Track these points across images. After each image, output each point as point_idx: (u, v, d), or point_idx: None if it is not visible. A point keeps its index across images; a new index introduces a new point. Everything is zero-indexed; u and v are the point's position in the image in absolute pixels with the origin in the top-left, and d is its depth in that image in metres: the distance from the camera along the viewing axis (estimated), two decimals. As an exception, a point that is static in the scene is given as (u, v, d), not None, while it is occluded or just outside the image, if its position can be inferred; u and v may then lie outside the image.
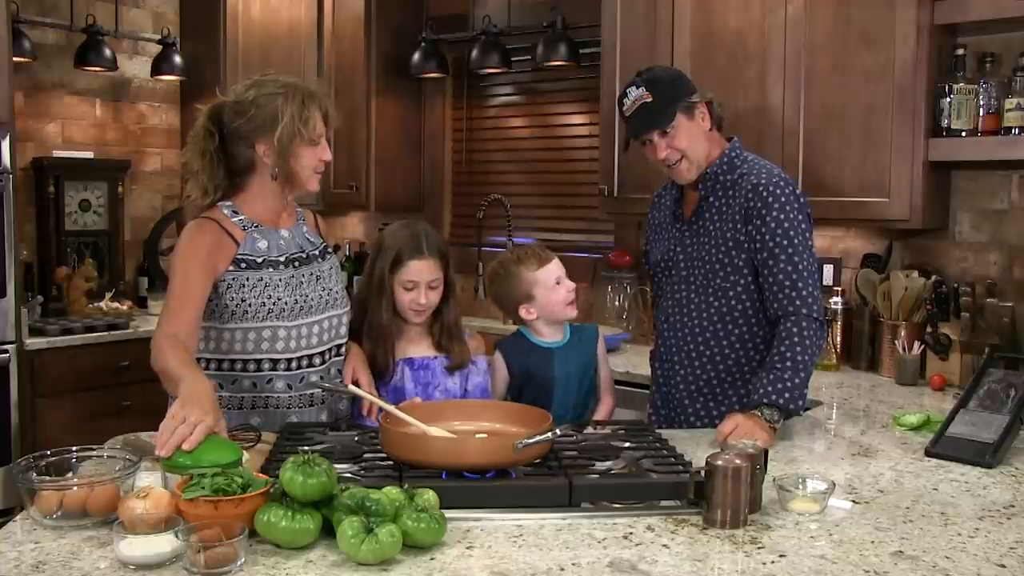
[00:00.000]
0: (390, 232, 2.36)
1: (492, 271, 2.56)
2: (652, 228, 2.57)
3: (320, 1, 4.50)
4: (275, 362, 2.16)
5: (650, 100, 2.29)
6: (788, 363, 2.14)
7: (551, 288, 2.46)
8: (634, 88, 2.32)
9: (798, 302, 2.20)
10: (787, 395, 2.12)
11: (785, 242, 2.23)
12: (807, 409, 2.51)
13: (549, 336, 2.51)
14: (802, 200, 2.30)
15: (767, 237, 2.24)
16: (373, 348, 2.33)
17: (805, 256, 2.24)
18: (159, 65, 4.62)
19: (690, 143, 2.32)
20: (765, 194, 2.25)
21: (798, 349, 2.16)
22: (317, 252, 2.28)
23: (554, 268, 2.48)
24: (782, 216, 2.23)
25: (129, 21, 4.64)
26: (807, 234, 2.27)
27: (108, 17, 4.46)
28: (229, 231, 2.14)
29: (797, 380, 2.13)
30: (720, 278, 2.32)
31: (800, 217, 2.26)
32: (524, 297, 2.48)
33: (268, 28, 4.62)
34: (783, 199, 2.24)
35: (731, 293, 2.32)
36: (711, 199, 2.36)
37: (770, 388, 2.12)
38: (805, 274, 2.22)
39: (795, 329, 2.18)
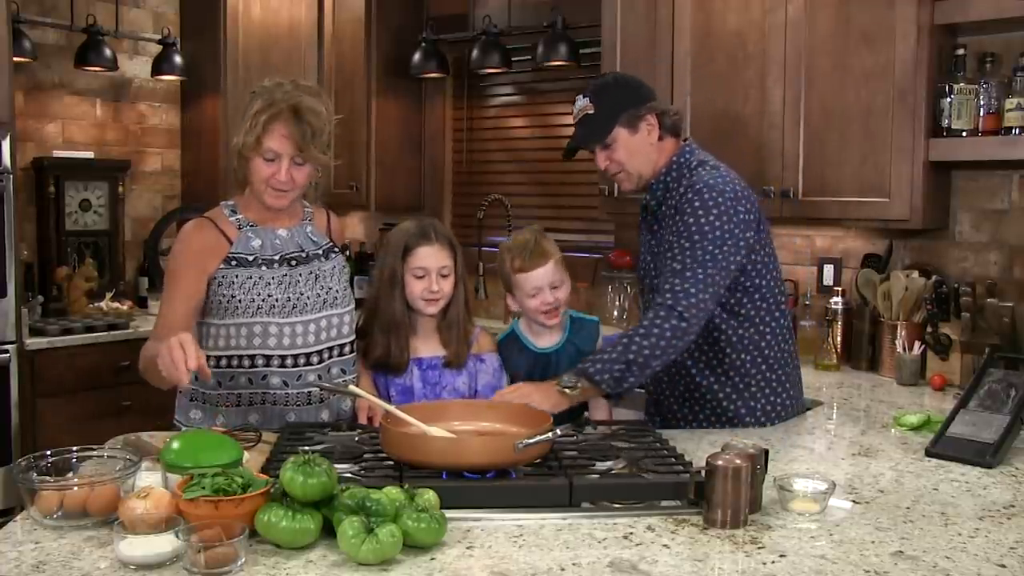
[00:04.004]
0: (397, 227, 2.36)
1: (501, 247, 2.47)
2: (639, 236, 2.55)
3: (320, 1, 4.51)
4: (268, 358, 2.16)
5: (592, 112, 2.29)
6: (624, 339, 2.13)
7: (527, 294, 2.36)
8: (581, 97, 2.32)
9: (668, 295, 2.15)
10: (598, 366, 2.12)
11: (685, 240, 2.18)
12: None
13: (542, 340, 2.43)
14: (741, 205, 2.21)
15: (680, 232, 2.20)
16: (388, 343, 2.30)
17: (702, 257, 2.16)
18: (159, 65, 4.62)
19: (629, 157, 2.31)
20: (691, 194, 2.22)
21: (641, 332, 2.13)
22: (320, 252, 2.28)
23: (534, 278, 2.33)
24: (695, 216, 2.18)
25: (129, 21, 4.64)
26: (724, 238, 2.17)
27: (108, 17, 4.46)
28: (224, 230, 2.17)
29: (615, 355, 2.12)
30: None
31: (720, 221, 2.17)
32: (506, 287, 2.43)
33: (268, 28, 4.62)
34: (709, 201, 2.18)
35: None
36: (663, 208, 2.34)
37: (588, 359, 2.15)
38: (688, 273, 2.15)
39: (650, 315, 2.16)
